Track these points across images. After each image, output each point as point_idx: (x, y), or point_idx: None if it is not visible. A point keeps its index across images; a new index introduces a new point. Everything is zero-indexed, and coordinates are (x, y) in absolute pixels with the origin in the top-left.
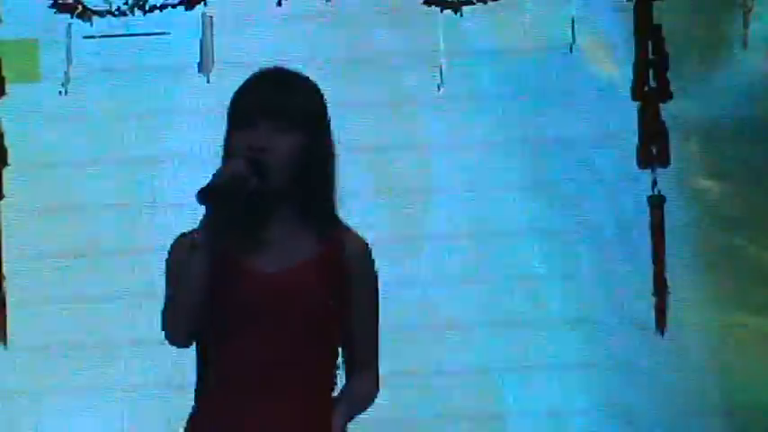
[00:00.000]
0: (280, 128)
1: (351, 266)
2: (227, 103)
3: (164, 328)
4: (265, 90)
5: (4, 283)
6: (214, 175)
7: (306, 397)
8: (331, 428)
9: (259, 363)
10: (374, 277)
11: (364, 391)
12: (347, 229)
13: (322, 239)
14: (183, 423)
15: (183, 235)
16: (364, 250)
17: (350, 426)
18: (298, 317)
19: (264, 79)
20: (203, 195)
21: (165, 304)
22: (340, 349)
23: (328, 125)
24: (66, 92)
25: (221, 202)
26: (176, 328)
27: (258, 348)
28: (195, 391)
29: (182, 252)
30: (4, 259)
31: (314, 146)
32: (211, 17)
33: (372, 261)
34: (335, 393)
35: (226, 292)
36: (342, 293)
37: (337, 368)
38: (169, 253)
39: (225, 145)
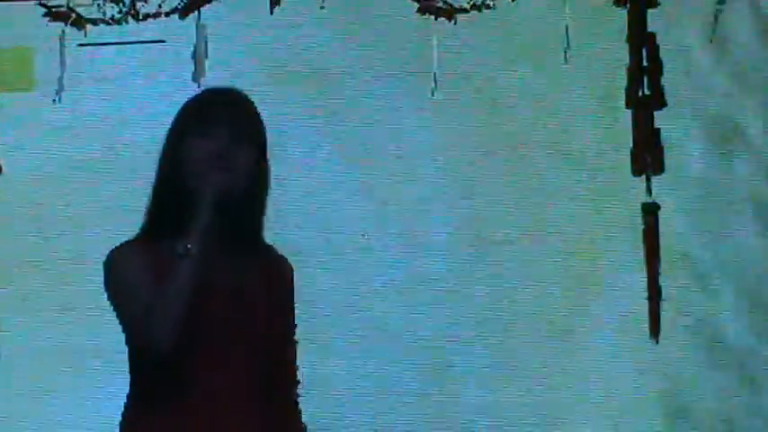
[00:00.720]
0: (239, 139)
1: (288, 286)
2: None
3: (150, 337)
4: (231, 103)
5: None
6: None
7: (265, 411)
8: None
9: (219, 374)
10: (293, 299)
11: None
12: (276, 251)
13: (263, 256)
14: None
15: (127, 244)
16: (292, 273)
17: None
18: (252, 328)
19: (222, 94)
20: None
21: (149, 312)
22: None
23: (267, 150)
24: (60, 100)
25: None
26: (168, 335)
27: (216, 360)
28: (135, 397)
29: (141, 263)
30: None
31: (260, 166)
32: (205, 26)
33: (293, 283)
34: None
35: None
36: (284, 305)
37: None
38: (119, 260)
39: (174, 150)
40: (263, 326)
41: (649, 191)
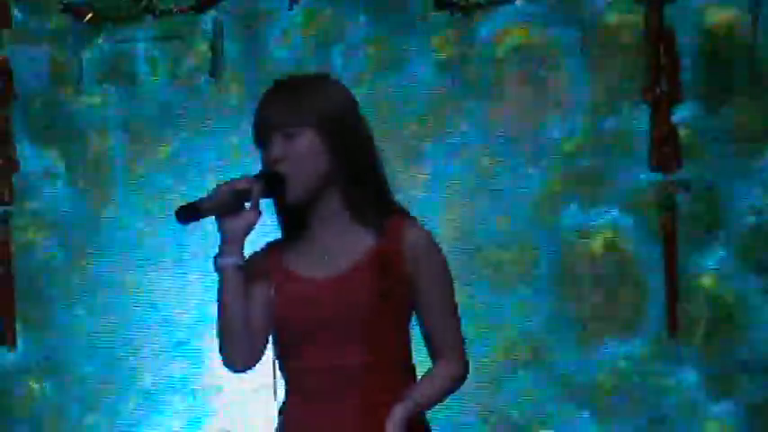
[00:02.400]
0: (289, 134)
1: (410, 258)
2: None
3: (221, 356)
4: (272, 102)
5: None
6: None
7: (366, 397)
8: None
9: (318, 370)
10: (438, 265)
11: (440, 378)
12: (404, 218)
13: (375, 235)
14: None
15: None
16: (423, 240)
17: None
18: (354, 321)
19: (271, 92)
20: (178, 215)
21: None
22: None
23: (349, 116)
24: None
25: (195, 220)
26: (229, 355)
27: (319, 356)
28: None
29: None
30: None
31: (334, 140)
32: (222, 22)
33: (434, 249)
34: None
35: (284, 305)
36: (398, 288)
37: (402, 367)
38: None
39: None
40: (362, 312)
41: (666, 187)
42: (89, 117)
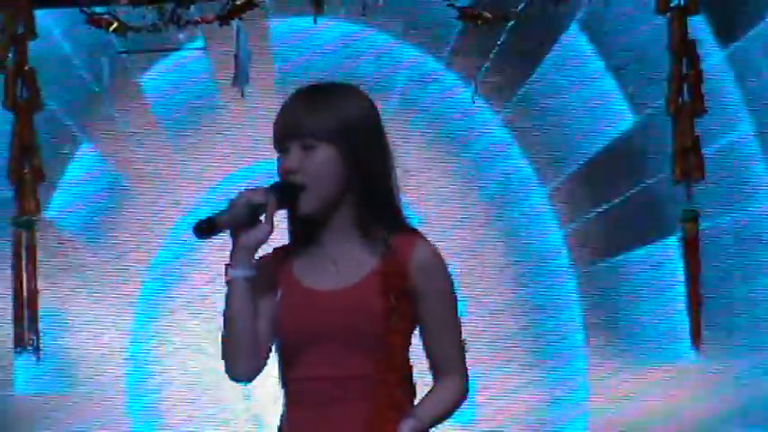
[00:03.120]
0: (308, 145)
1: (417, 277)
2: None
3: (224, 364)
4: (292, 110)
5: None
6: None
7: (367, 413)
8: None
9: (321, 380)
10: (444, 285)
11: (438, 400)
12: (413, 235)
13: (384, 250)
14: None
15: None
16: (431, 259)
17: None
18: (361, 334)
19: (294, 100)
20: (195, 230)
21: (221, 339)
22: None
23: (369, 132)
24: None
25: (213, 235)
26: (233, 365)
27: (323, 366)
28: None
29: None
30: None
31: (352, 156)
32: (246, 32)
33: (441, 268)
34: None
35: (290, 314)
36: (406, 306)
37: (406, 383)
38: None
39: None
40: (369, 326)
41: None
42: None
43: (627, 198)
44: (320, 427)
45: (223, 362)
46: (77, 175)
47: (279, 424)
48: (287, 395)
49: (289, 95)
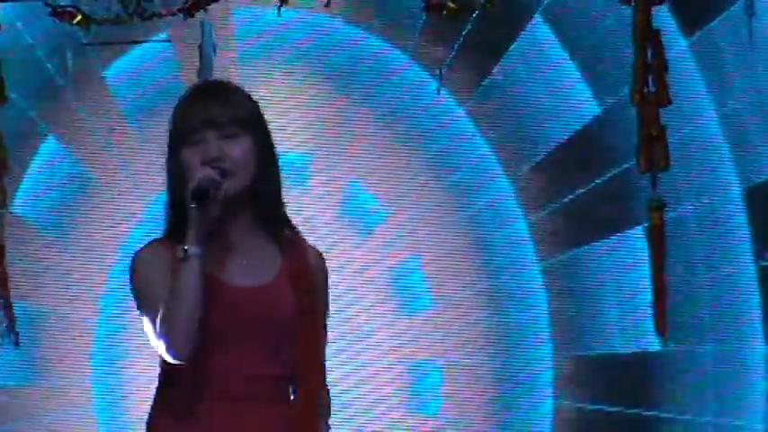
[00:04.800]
0: (227, 135)
1: (315, 277)
2: None
3: (166, 344)
4: (207, 101)
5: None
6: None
7: (288, 411)
8: None
9: (241, 377)
10: (327, 287)
11: (328, 397)
12: (299, 233)
13: (287, 250)
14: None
15: (150, 244)
16: (321, 261)
17: None
18: (277, 331)
19: (202, 92)
20: (196, 195)
21: (162, 319)
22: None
23: (268, 130)
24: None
25: (207, 204)
26: (184, 342)
27: (239, 361)
28: (159, 398)
29: (158, 263)
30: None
31: (263, 149)
32: (211, 24)
33: (326, 270)
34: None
35: (206, 308)
36: (311, 304)
37: (323, 382)
38: (139, 264)
39: (173, 162)
40: (284, 326)
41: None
42: None
43: (592, 188)
44: (238, 424)
45: (164, 341)
46: (41, 167)
47: (156, 416)
48: (194, 388)
49: (187, 91)
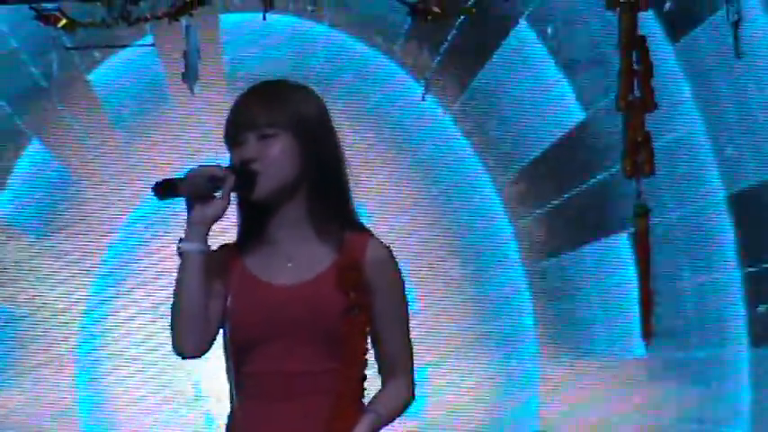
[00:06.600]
0: (266, 135)
1: (371, 274)
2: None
3: (171, 339)
4: (249, 103)
5: None
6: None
7: (328, 406)
8: None
9: (281, 375)
10: (398, 283)
11: (394, 398)
12: (366, 232)
13: (339, 247)
14: None
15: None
16: (385, 256)
17: None
18: (318, 329)
19: (249, 94)
20: (154, 188)
21: (170, 314)
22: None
23: (324, 127)
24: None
25: (169, 197)
26: (183, 338)
27: (280, 361)
28: (230, 401)
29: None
30: None
31: (309, 149)
32: (196, 28)
33: (394, 266)
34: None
35: (245, 307)
36: (363, 301)
37: (363, 376)
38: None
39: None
40: (326, 323)
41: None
42: None
43: (578, 193)
44: (277, 423)
45: (171, 336)
46: (26, 171)
47: (228, 422)
48: (241, 390)
49: (241, 92)
